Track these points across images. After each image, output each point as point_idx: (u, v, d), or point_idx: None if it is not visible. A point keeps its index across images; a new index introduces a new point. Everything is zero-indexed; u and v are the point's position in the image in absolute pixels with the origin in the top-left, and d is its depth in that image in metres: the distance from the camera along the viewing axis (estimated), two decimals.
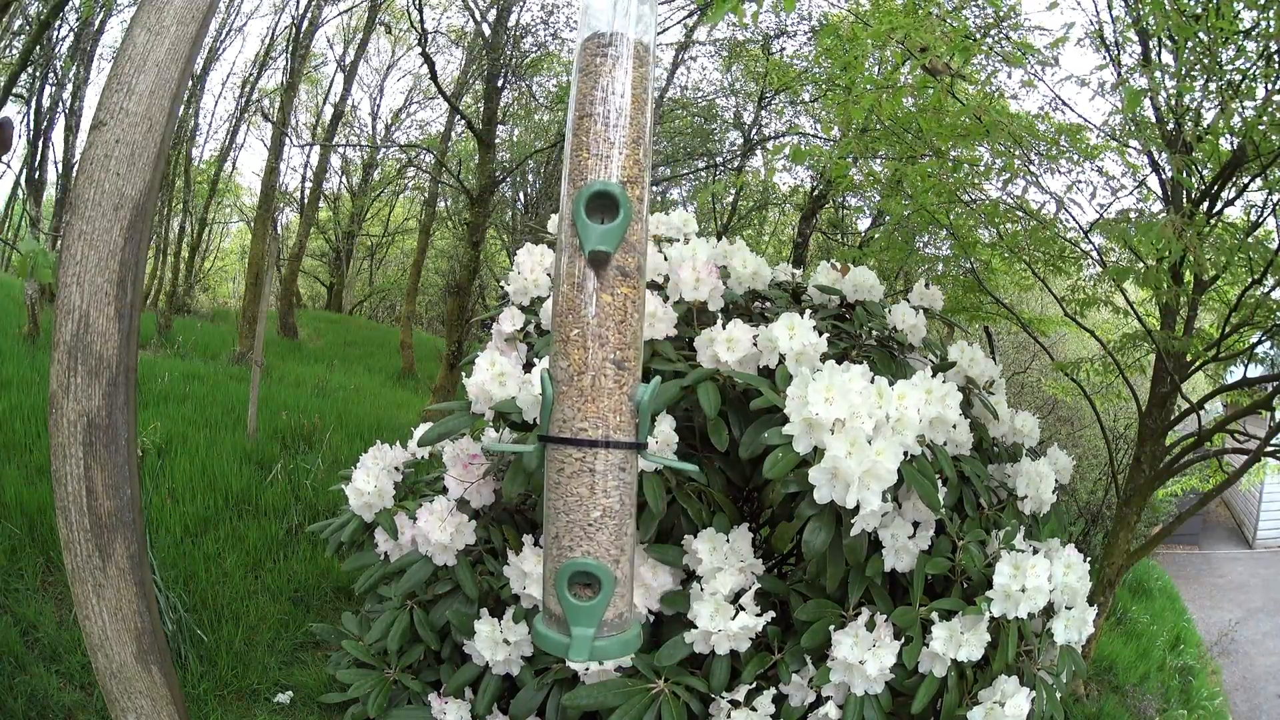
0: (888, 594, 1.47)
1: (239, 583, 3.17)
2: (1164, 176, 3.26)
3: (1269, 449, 3.06)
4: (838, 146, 3.26)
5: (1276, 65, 2.67)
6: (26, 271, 1.68)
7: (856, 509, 1.19)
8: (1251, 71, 2.72)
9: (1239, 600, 7.33)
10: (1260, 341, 3.44)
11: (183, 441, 4.24)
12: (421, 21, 7.49)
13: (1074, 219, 3.33)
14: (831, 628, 1.36)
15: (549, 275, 1.85)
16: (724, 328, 1.45)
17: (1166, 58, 3.16)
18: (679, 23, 8.09)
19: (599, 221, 0.79)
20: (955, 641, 1.35)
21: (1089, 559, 1.63)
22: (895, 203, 3.60)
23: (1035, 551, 1.46)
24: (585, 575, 0.80)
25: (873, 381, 1.25)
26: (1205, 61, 2.72)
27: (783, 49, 7.48)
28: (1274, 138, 2.58)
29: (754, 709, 1.34)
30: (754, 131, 8.44)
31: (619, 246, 0.79)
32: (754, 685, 1.38)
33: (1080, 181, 3.22)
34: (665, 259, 1.64)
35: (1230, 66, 2.74)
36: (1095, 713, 3.93)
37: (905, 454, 1.23)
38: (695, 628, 1.35)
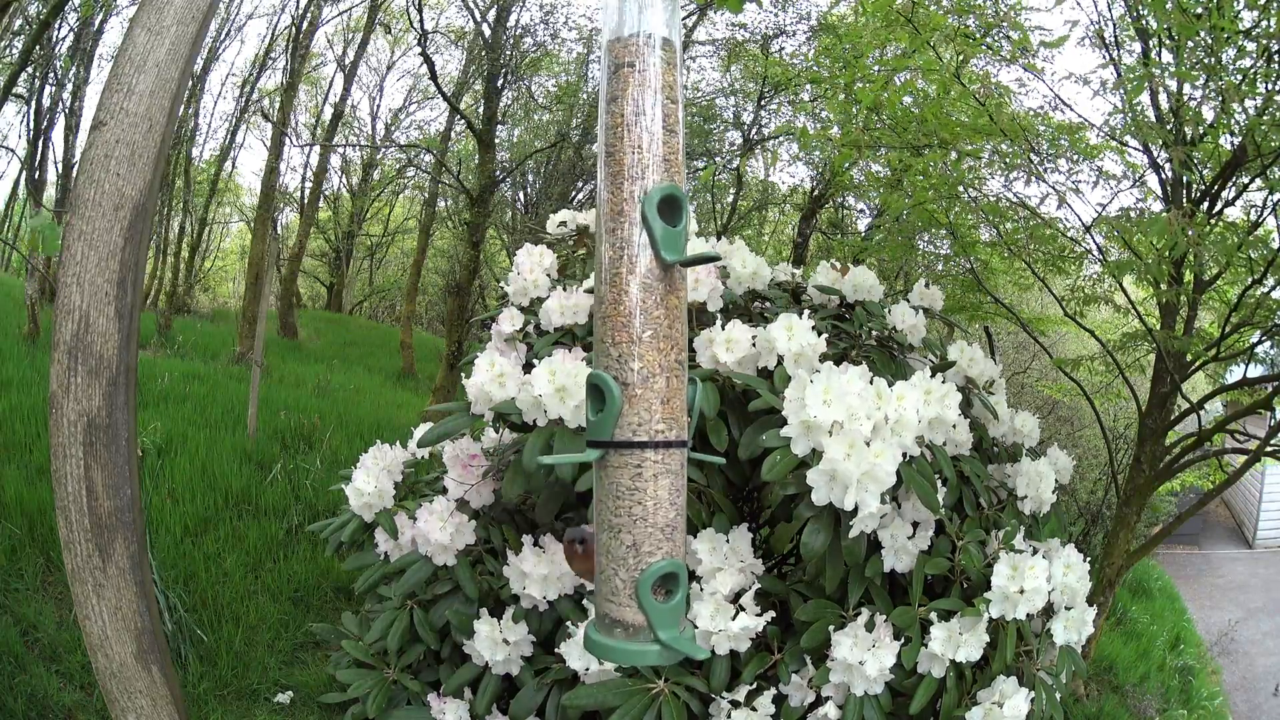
0: (887, 594, 1.47)
1: (239, 583, 3.17)
2: (1163, 176, 3.26)
3: (1269, 449, 3.06)
4: (843, 135, 3.26)
5: (1277, 65, 2.67)
6: (37, 246, 1.69)
7: (855, 510, 1.19)
8: (1252, 71, 2.72)
9: (1239, 600, 7.33)
10: (1260, 341, 3.44)
11: (183, 441, 4.25)
12: (421, 22, 7.49)
13: (1076, 214, 3.34)
14: (831, 628, 1.36)
15: (549, 276, 1.85)
16: (723, 328, 1.45)
17: (1166, 57, 3.16)
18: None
19: (666, 223, 0.79)
20: (954, 642, 1.35)
21: (1089, 559, 1.63)
22: (896, 200, 3.60)
23: (1035, 552, 1.46)
24: (665, 579, 0.79)
25: (871, 382, 1.25)
26: (1206, 61, 2.72)
27: (782, 48, 7.49)
28: (1274, 137, 2.58)
29: (754, 709, 1.34)
30: (754, 131, 8.45)
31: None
32: (754, 685, 1.38)
33: (1081, 180, 3.22)
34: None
35: (1231, 66, 2.74)
36: (1095, 713, 3.93)
37: (904, 455, 1.23)
38: (695, 628, 1.35)
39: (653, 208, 0.78)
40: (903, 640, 1.37)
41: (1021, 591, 1.36)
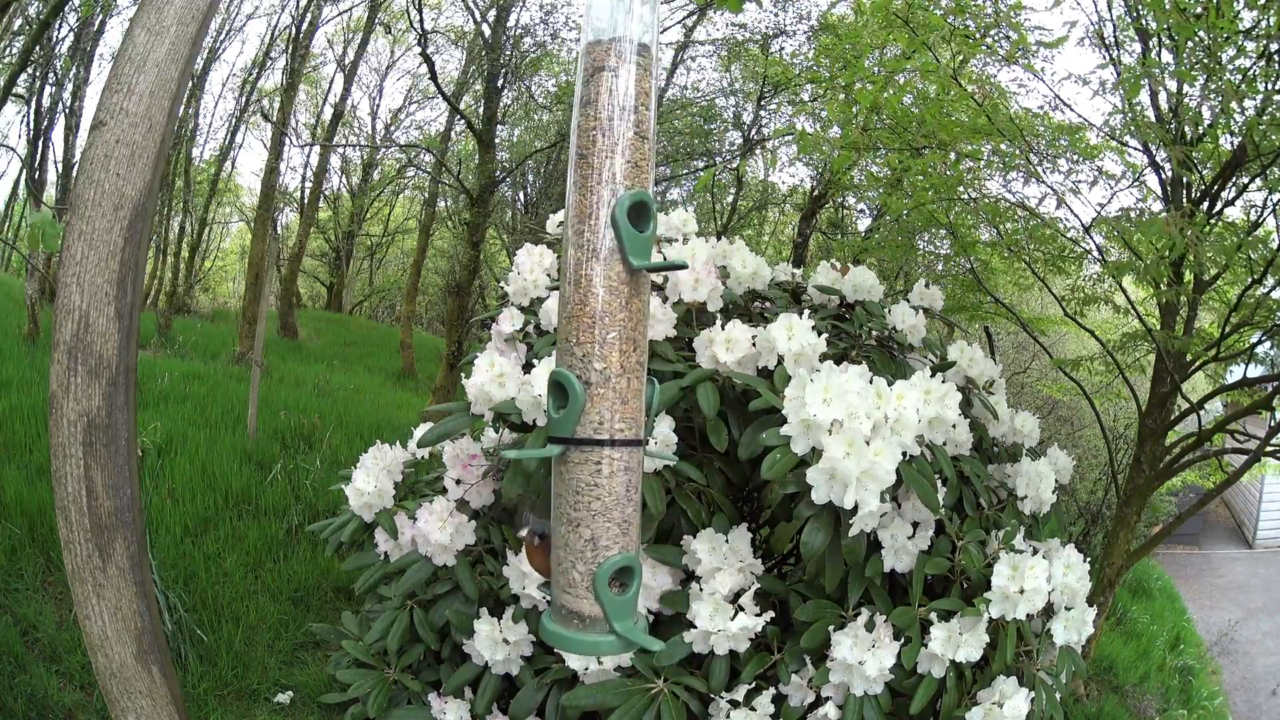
0: (887, 594, 1.47)
1: (239, 583, 3.17)
2: (1163, 176, 3.26)
3: (1269, 449, 3.06)
4: (842, 138, 3.26)
5: (1276, 65, 2.67)
6: (37, 243, 1.69)
7: (855, 510, 1.19)
8: (1251, 71, 2.72)
9: (1239, 600, 7.33)
10: (1260, 341, 3.44)
11: (183, 441, 4.24)
12: (421, 22, 7.49)
13: (1075, 214, 3.34)
14: (831, 628, 1.36)
15: (549, 276, 1.85)
16: (723, 328, 1.45)
17: (1166, 57, 3.17)
18: (679, 23, 8.10)
19: (635, 229, 0.80)
20: (954, 642, 1.35)
21: (1089, 559, 1.63)
22: (896, 200, 3.60)
23: (1035, 552, 1.46)
24: (620, 572, 0.82)
25: (871, 382, 1.25)
26: (1206, 61, 2.72)
27: (782, 48, 7.50)
28: (1274, 137, 2.58)
29: (753, 709, 1.34)
30: (754, 131, 8.45)
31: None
32: (753, 685, 1.38)
33: (1080, 180, 3.23)
34: (664, 259, 1.64)
35: (1230, 66, 2.74)
36: (1095, 713, 3.93)
37: (904, 454, 1.23)
38: (694, 628, 1.35)
39: (623, 213, 0.79)
40: (903, 640, 1.37)
41: (1021, 591, 1.36)
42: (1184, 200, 3.09)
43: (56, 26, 8.07)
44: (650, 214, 0.81)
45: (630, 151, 0.80)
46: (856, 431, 1.18)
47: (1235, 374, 4.02)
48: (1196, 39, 2.57)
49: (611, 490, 0.81)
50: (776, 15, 7.36)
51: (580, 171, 0.81)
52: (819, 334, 1.43)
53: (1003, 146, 3.04)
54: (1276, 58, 2.67)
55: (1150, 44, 3.23)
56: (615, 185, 0.80)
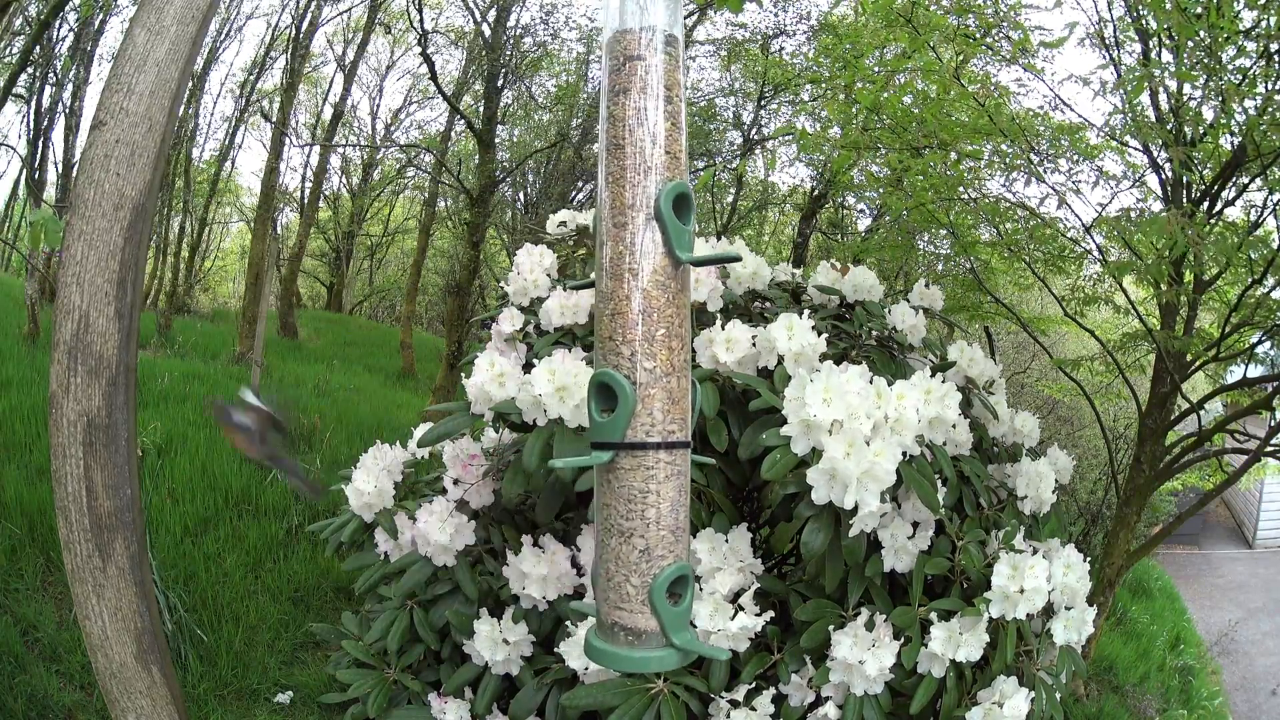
0: (887, 594, 1.47)
1: (239, 583, 3.17)
2: (1163, 176, 3.26)
3: (1269, 449, 3.06)
4: (842, 138, 3.26)
5: (1277, 65, 2.67)
6: (39, 239, 1.69)
7: (855, 510, 1.19)
8: (1252, 71, 2.72)
9: (1239, 600, 7.33)
10: (1260, 341, 3.44)
11: (183, 441, 4.24)
12: (421, 22, 7.49)
13: (1075, 215, 3.34)
14: (831, 628, 1.36)
15: (549, 276, 1.85)
16: (723, 328, 1.45)
17: (1166, 57, 3.17)
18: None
19: (678, 220, 0.77)
20: (954, 642, 1.35)
21: (1089, 559, 1.63)
22: (896, 200, 3.61)
23: (1035, 552, 1.46)
24: (675, 582, 0.78)
25: (871, 382, 1.25)
26: (1206, 61, 2.72)
27: (781, 48, 7.50)
28: (1274, 137, 2.58)
29: (753, 709, 1.34)
30: (754, 131, 8.45)
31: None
32: (753, 685, 1.39)
33: (1081, 180, 3.23)
34: None
35: (1231, 66, 2.74)
36: (1095, 713, 3.93)
37: (904, 454, 1.23)
38: (694, 627, 1.35)
39: (668, 204, 0.76)
40: (903, 640, 1.37)
41: (1021, 591, 1.36)
42: (1184, 200, 3.09)
43: (56, 26, 8.07)
44: (691, 205, 0.79)
45: (666, 140, 0.77)
46: (856, 432, 1.18)
47: (1235, 374, 4.02)
48: (1197, 39, 2.57)
49: (665, 496, 0.77)
50: (776, 15, 7.37)
51: (616, 162, 0.77)
52: (819, 334, 1.43)
53: (1003, 146, 3.04)
54: (1277, 58, 2.67)
55: (1150, 44, 3.23)
56: (654, 175, 0.77)
